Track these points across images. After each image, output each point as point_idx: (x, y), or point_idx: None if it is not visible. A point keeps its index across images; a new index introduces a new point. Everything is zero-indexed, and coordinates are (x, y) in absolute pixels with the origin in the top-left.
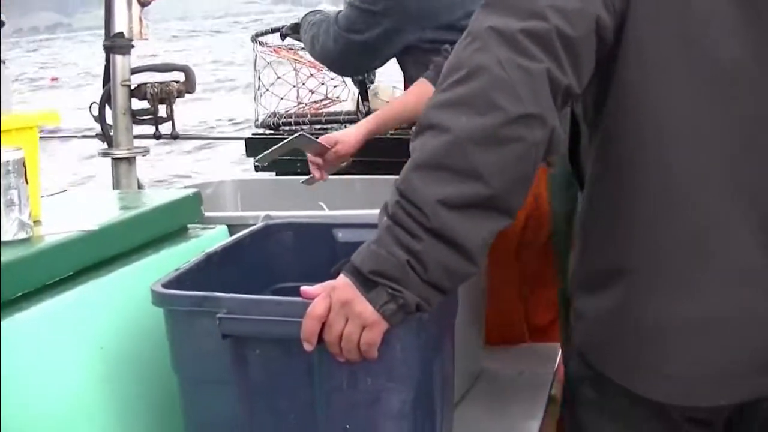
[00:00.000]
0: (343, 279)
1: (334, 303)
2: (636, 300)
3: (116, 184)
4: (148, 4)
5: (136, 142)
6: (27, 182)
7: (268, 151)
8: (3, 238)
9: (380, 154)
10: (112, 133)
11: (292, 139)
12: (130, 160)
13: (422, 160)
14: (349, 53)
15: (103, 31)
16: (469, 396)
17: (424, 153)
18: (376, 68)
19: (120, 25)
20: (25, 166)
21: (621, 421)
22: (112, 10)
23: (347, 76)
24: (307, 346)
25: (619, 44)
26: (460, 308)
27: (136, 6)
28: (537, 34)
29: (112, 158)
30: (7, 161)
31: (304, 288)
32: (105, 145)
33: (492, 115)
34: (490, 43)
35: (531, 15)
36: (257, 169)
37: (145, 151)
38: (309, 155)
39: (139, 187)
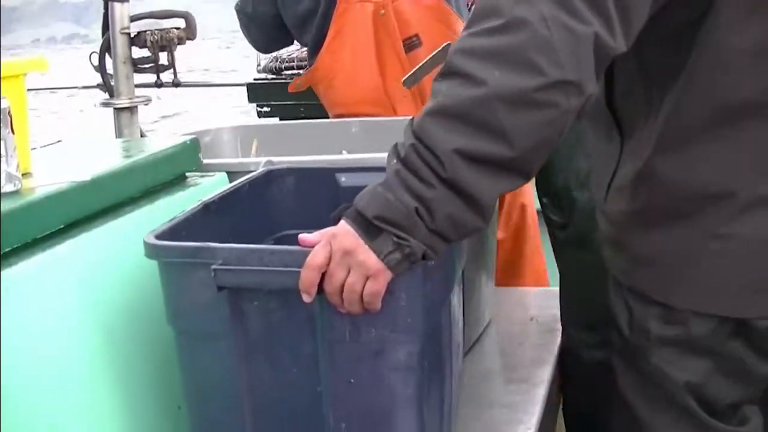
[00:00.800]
0: (344, 225)
1: (335, 252)
2: (728, 222)
3: (118, 134)
4: None
5: (138, 91)
6: (13, 132)
7: (412, 72)
8: None
9: None
10: (113, 83)
11: (437, 53)
12: (131, 110)
13: (446, 107)
14: None
15: None
16: (479, 343)
17: (449, 99)
18: None
19: None
20: (10, 116)
21: (710, 348)
22: None
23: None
24: (306, 298)
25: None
26: (468, 254)
27: None
28: None
29: (114, 108)
30: None
31: (303, 236)
32: (106, 95)
33: (529, 76)
34: None
35: None
36: (260, 115)
37: (147, 100)
38: None
39: (141, 136)
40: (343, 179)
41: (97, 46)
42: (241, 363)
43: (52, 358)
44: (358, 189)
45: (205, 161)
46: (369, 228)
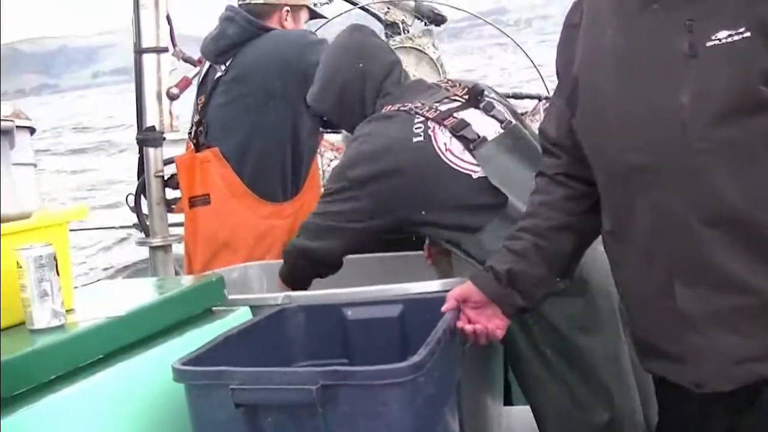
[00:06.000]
0: None
1: None
2: None
3: (153, 271)
4: (177, 97)
5: (172, 230)
6: (58, 274)
7: None
8: (37, 326)
9: None
10: (148, 223)
11: None
12: (165, 248)
13: None
14: None
15: (88, 89)
16: None
17: None
18: None
19: (151, 119)
20: (56, 260)
21: None
22: (144, 104)
23: None
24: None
25: None
26: (470, 372)
27: (165, 100)
28: None
29: (150, 247)
30: (40, 256)
31: None
32: (143, 235)
33: None
34: None
35: None
36: None
37: (180, 239)
38: None
39: (176, 272)
40: (350, 313)
41: (67, 96)
42: None
43: None
44: (363, 321)
45: (230, 297)
46: None
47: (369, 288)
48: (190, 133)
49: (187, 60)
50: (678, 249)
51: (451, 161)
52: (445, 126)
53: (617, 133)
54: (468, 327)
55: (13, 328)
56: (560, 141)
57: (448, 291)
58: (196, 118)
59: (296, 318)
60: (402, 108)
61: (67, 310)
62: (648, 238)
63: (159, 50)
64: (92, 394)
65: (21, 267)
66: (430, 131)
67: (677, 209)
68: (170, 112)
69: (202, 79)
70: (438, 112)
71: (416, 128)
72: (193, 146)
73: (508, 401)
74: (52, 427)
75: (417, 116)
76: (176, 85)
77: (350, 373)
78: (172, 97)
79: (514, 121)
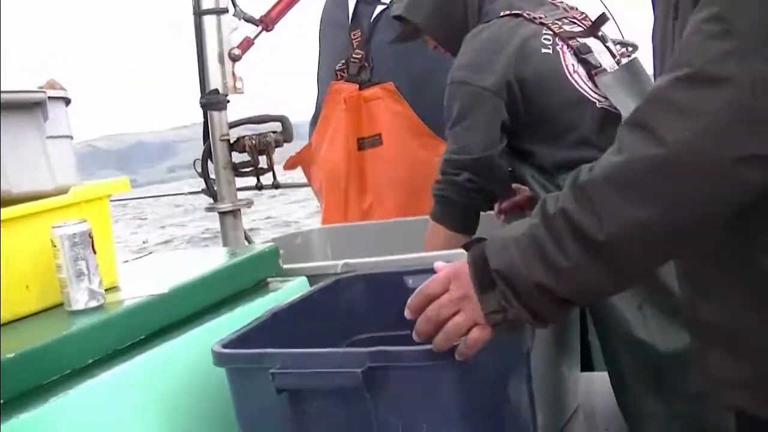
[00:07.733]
0: (465, 267)
1: (452, 292)
2: None
3: (224, 237)
4: (240, 58)
5: (240, 194)
6: (95, 252)
7: None
8: (75, 308)
9: None
10: (216, 188)
11: None
12: (234, 213)
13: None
14: None
15: (161, 187)
16: (568, 428)
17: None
18: None
19: (214, 82)
20: (91, 237)
21: None
22: (206, 67)
23: None
24: (408, 315)
25: None
26: (545, 338)
27: (228, 61)
28: None
29: (218, 212)
30: (73, 234)
31: (437, 264)
32: (211, 200)
33: None
34: None
35: None
36: None
37: (249, 203)
38: None
39: (246, 238)
40: (411, 281)
41: (144, 191)
42: None
43: None
44: None
45: (285, 266)
46: (484, 278)
47: (429, 254)
48: (340, 71)
49: (249, 20)
50: None
51: (578, 84)
52: (570, 46)
53: None
54: None
55: (51, 310)
56: None
57: None
58: (357, 54)
59: (353, 288)
60: (526, 15)
61: (110, 288)
62: None
63: (219, 11)
64: (130, 378)
65: (55, 246)
66: (558, 47)
67: None
68: (233, 74)
69: (354, 13)
70: (562, 30)
71: (545, 39)
72: (358, 85)
73: (588, 367)
74: (88, 414)
75: (544, 27)
76: (238, 46)
77: (399, 354)
78: (235, 59)
79: (632, 56)
